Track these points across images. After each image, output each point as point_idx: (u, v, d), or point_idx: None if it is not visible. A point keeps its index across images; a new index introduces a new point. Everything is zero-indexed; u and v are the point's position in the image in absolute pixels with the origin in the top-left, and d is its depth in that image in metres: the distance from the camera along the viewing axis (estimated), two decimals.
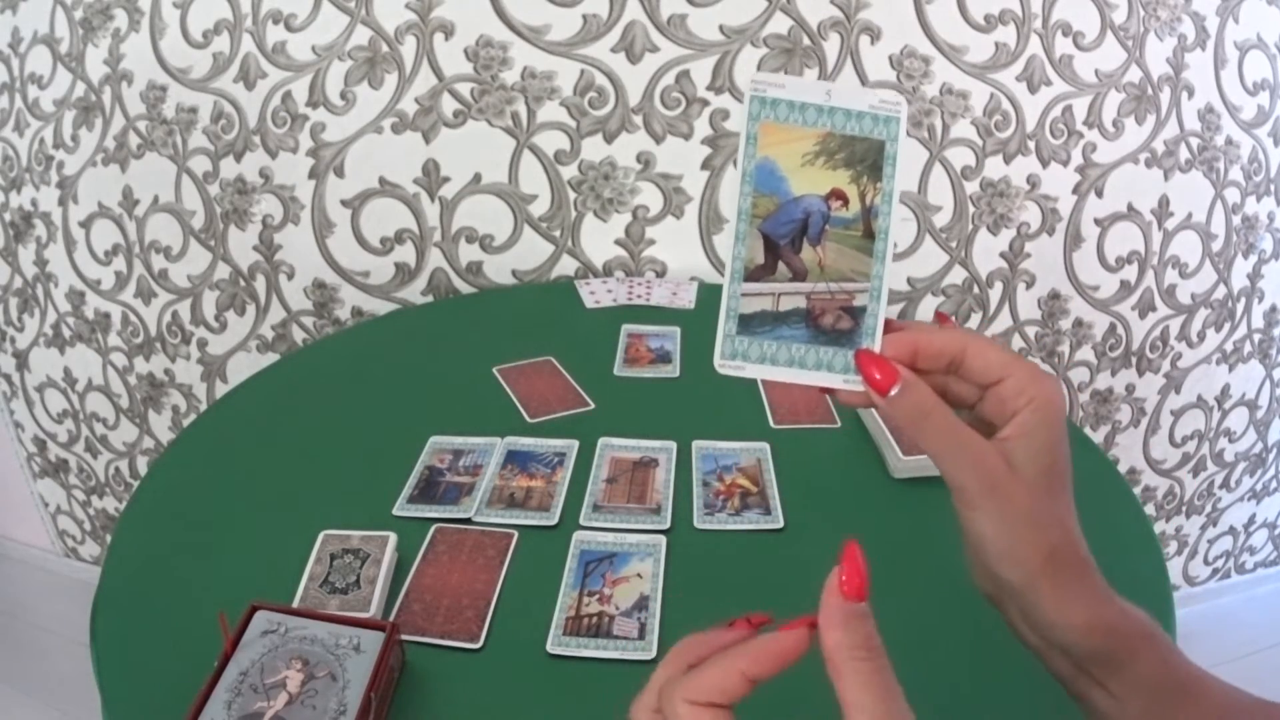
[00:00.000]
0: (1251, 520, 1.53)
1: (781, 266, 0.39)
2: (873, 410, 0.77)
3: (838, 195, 0.38)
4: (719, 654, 0.31)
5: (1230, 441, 1.42)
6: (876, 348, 0.38)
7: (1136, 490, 1.39)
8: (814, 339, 0.39)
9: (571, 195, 1.10)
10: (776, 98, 0.38)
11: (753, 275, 0.39)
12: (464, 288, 1.16)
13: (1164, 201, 1.17)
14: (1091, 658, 0.37)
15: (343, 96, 1.06)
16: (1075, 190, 1.14)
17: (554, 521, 0.67)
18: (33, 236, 1.27)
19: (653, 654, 0.56)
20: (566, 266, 1.14)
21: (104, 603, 0.59)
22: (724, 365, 0.39)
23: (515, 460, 0.74)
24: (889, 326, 0.39)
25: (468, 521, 0.67)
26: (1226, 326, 1.29)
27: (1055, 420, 0.36)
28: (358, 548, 0.62)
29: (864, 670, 0.28)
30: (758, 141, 0.38)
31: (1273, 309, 1.31)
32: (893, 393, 0.36)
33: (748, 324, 0.39)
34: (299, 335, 1.22)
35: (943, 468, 0.36)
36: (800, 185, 0.38)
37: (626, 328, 0.97)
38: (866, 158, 0.38)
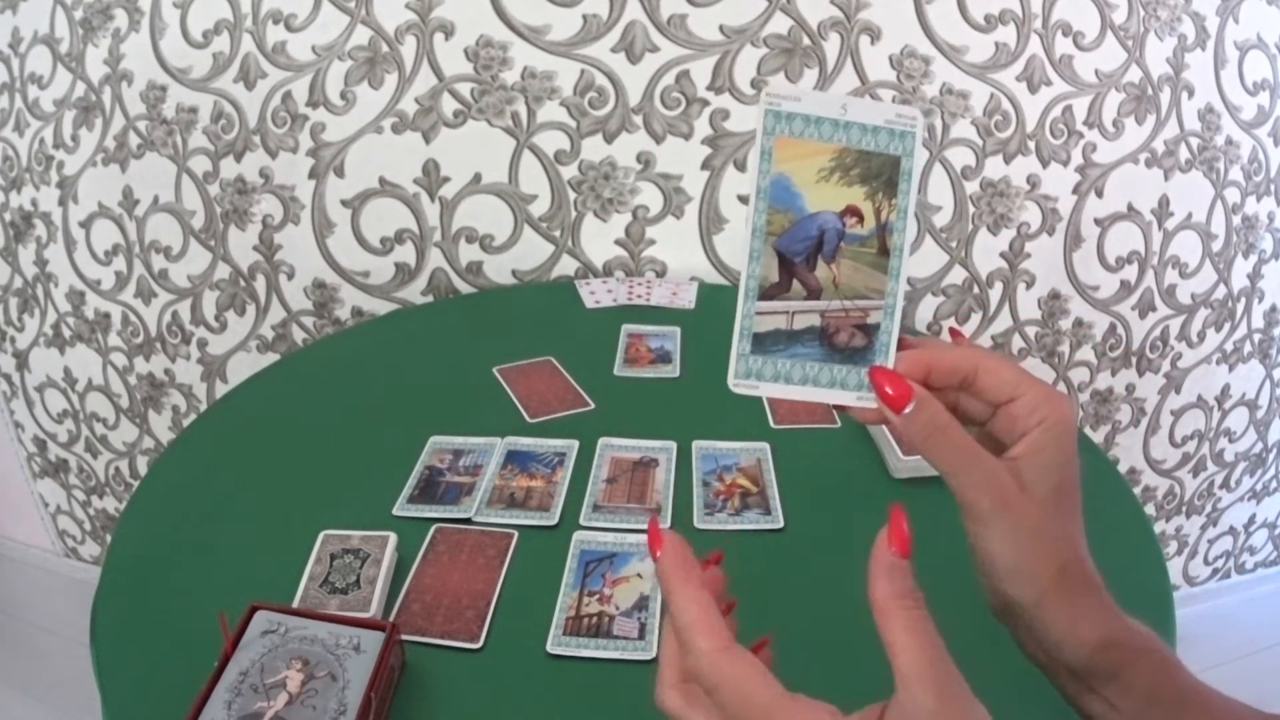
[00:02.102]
0: (1251, 520, 1.53)
1: (796, 284, 0.38)
2: None
3: (853, 212, 0.38)
4: (670, 603, 0.34)
5: (1230, 441, 1.42)
6: (890, 365, 0.38)
7: (1136, 490, 1.39)
8: (828, 357, 0.39)
9: (571, 195, 1.10)
10: (792, 112, 0.37)
11: (767, 293, 0.38)
12: (464, 288, 1.16)
13: (1164, 201, 1.17)
14: (1095, 673, 0.37)
15: (343, 96, 1.06)
16: (1075, 190, 1.14)
17: (554, 521, 0.67)
18: (33, 236, 1.27)
19: (652, 654, 0.56)
20: (566, 266, 1.14)
21: (104, 603, 0.59)
22: (738, 385, 0.39)
23: (515, 460, 0.74)
24: (902, 344, 0.39)
25: (468, 521, 0.67)
26: (1226, 326, 1.29)
27: (1066, 440, 0.37)
28: (358, 548, 0.62)
29: (911, 617, 0.30)
30: (773, 156, 0.38)
31: (1273, 309, 1.31)
32: (907, 410, 0.36)
33: (762, 343, 0.39)
34: (299, 335, 1.22)
35: (954, 485, 0.36)
36: (815, 201, 0.38)
37: (626, 328, 0.97)
38: (882, 173, 0.38)
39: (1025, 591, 0.36)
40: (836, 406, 0.39)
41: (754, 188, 0.38)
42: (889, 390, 0.37)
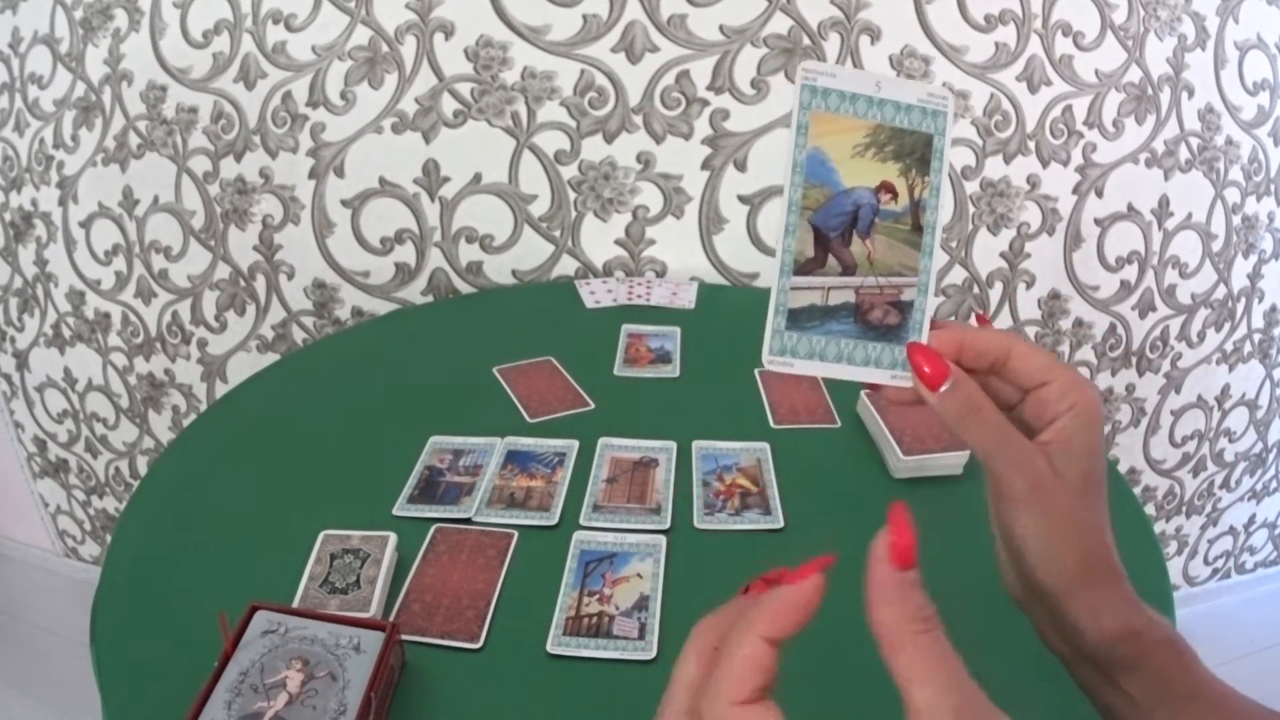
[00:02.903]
0: (1251, 520, 1.53)
1: (831, 260, 0.38)
2: (873, 410, 0.77)
3: (887, 188, 0.38)
4: (736, 627, 0.28)
5: (1230, 441, 1.42)
6: (924, 342, 0.38)
7: (1136, 490, 1.40)
8: (862, 334, 0.38)
9: (571, 195, 1.10)
10: (828, 87, 0.37)
11: (802, 269, 0.38)
12: (464, 288, 1.16)
13: (1164, 201, 1.17)
14: (1115, 663, 0.37)
15: (343, 96, 1.06)
16: (1075, 190, 1.14)
17: (554, 521, 0.67)
18: (33, 236, 1.27)
19: (652, 654, 0.56)
20: (566, 266, 1.14)
21: (104, 603, 0.59)
22: (772, 361, 0.38)
23: (515, 460, 0.74)
24: (932, 325, 0.39)
25: (468, 521, 0.67)
26: (1226, 326, 1.29)
27: (1095, 427, 0.37)
28: (358, 548, 0.62)
29: (924, 641, 0.26)
30: (809, 131, 0.37)
31: (1273, 309, 1.31)
32: (944, 388, 0.36)
33: (797, 319, 0.38)
34: (299, 335, 1.22)
35: (990, 465, 0.36)
36: (850, 177, 0.38)
37: (626, 328, 0.97)
38: (915, 150, 0.38)
39: (1051, 578, 0.36)
40: (870, 385, 0.39)
41: (790, 161, 0.38)
42: (926, 369, 0.36)
